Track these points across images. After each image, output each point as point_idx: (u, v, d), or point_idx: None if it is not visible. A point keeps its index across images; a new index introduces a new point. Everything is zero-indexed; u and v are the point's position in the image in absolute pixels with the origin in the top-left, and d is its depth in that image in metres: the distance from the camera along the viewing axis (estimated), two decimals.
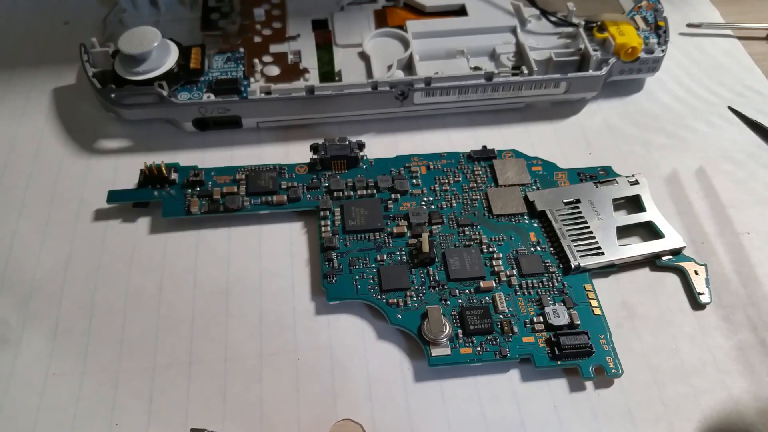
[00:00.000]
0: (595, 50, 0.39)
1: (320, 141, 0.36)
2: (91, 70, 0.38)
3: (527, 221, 0.34)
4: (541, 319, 0.31)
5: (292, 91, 0.37)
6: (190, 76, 0.38)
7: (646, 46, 0.39)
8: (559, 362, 0.30)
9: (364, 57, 0.40)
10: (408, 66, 0.40)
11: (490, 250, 0.33)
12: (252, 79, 0.38)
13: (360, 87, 0.37)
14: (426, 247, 0.32)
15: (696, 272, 0.33)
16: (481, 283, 0.32)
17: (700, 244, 0.34)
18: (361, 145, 0.36)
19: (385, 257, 0.33)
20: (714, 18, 0.47)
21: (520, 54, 0.40)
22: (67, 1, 0.47)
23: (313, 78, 0.39)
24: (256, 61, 0.39)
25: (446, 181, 0.36)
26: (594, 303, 0.31)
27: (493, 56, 0.40)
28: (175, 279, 0.33)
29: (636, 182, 0.35)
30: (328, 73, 0.40)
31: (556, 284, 0.32)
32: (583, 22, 0.40)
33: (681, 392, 0.30)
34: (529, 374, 0.30)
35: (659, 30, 0.41)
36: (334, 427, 0.28)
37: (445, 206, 0.35)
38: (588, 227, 0.33)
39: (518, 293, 0.32)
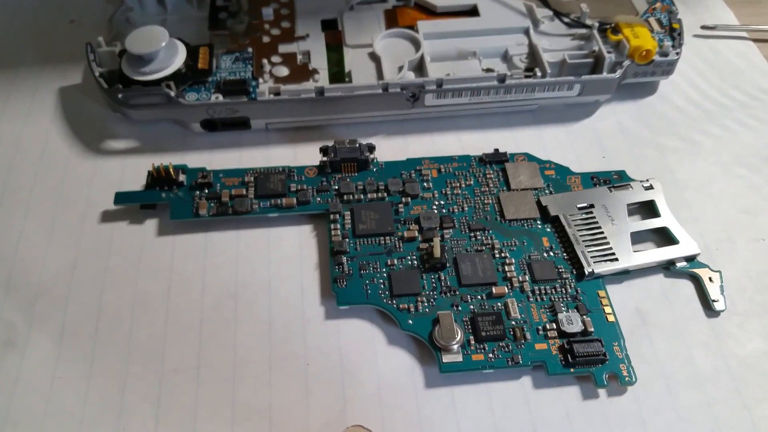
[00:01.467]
0: (609, 52, 0.38)
1: (330, 143, 0.36)
2: (98, 70, 0.37)
3: (540, 226, 0.34)
4: (554, 325, 0.30)
5: (301, 92, 0.37)
6: (197, 76, 0.38)
7: (661, 48, 0.39)
8: (572, 370, 0.29)
9: (375, 58, 0.40)
10: (419, 67, 0.39)
11: (503, 255, 0.33)
12: (261, 80, 0.38)
13: (370, 88, 0.37)
14: (437, 252, 0.32)
15: (710, 279, 0.33)
16: (493, 289, 0.31)
17: (715, 250, 0.34)
18: (371, 148, 0.36)
19: (395, 262, 0.32)
20: (728, 20, 0.46)
21: (533, 56, 0.39)
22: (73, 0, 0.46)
23: (322, 79, 0.39)
24: (265, 61, 0.39)
25: (458, 184, 0.35)
26: (608, 310, 0.31)
27: (506, 58, 0.40)
28: (183, 282, 0.33)
29: (650, 187, 0.35)
30: (338, 74, 0.39)
31: (570, 290, 0.32)
32: (596, 24, 0.40)
33: (695, 401, 0.29)
34: (541, 381, 0.30)
35: (673, 32, 0.40)
36: None
37: (456, 210, 0.34)
38: (602, 233, 0.33)
39: (531, 299, 0.31)
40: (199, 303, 0.32)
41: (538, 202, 0.35)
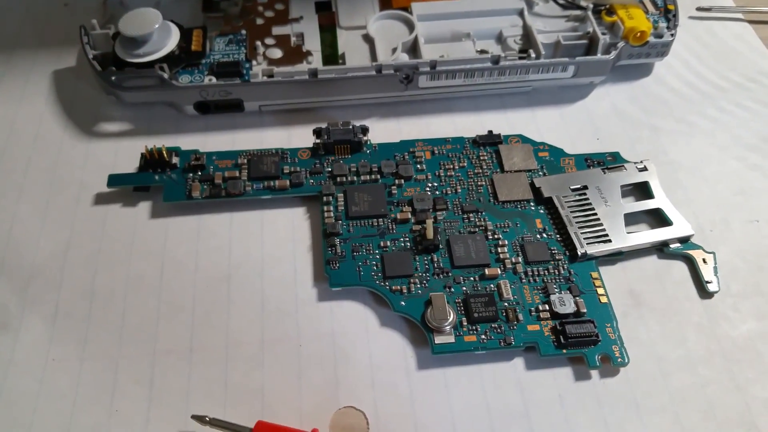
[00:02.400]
0: (603, 34, 0.38)
1: (323, 125, 0.36)
2: (91, 53, 0.37)
3: (533, 208, 0.34)
4: (547, 307, 0.30)
5: (294, 74, 0.37)
6: (191, 58, 0.37)
7: (656, 30, 0.39)
8: (564, 351, 0.29)
9: (368, 39, 0.40)
10: (413, 49, 0.39)
11: (496, 236, 0.33)
12: (254, 62, 0.38)
13: (364, 70, 0.37)
14: (430, 234, 0.32)
15: (704, 260, 0.32)
16: (486, 271, 0.31)
17: (709, 231, 0.34)
18: (364, 130, 0.36)
19: (388, 243, 0.32)
20: (724, 1, 0.46)
21: (528, 37, 0.39)
22: None
23: (316, 61, 0.38)
24: (259, 43, 0.39)
25: (451, 166, 0.35)
26: (600, 291, 0.31)
27: (500, 39, 0.40)
28: (176, 264, 0.33)
29: (644, 168, 0.35)
30: (331, 56, 0.39)
31: (563, 272, 0.31)
32: (591, 5, 0.40)
33: (687, 382, 0.29)
34: (533, 363, 0.30)
35: (669, 13, 0.40)
36: (336, 415, 0.28)
37: (449, 192, 0.34)
38: (595, 214, 0.33)
39: (524, 281, 0.31)
40: (192, 285, 0.32)
41: (532, 184, 0.34)
